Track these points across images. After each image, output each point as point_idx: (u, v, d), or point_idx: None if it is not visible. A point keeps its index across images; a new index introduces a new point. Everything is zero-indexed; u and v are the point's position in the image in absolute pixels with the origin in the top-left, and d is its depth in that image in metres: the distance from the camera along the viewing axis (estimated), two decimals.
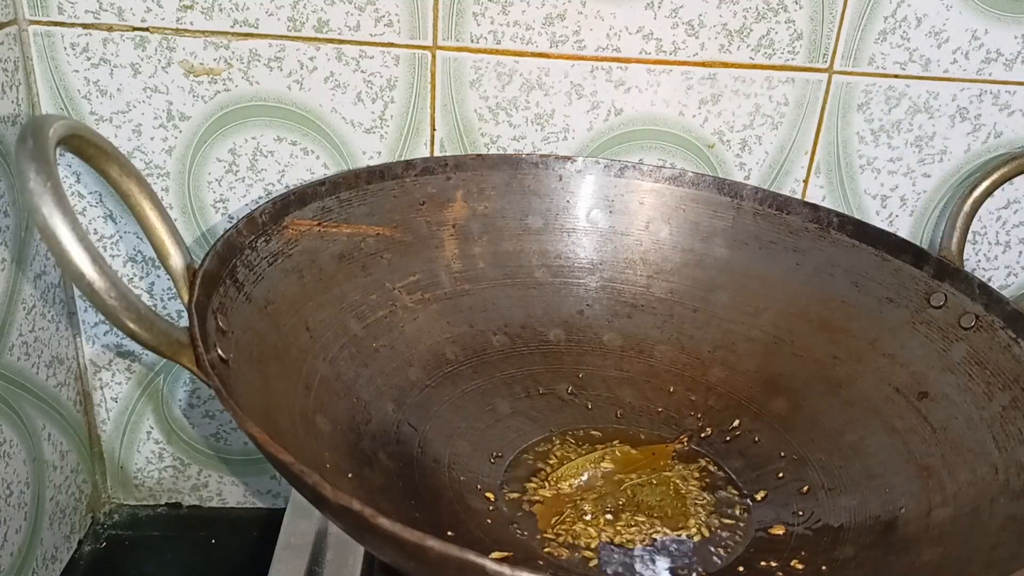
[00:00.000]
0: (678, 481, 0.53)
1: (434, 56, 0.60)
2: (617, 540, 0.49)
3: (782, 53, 0.62)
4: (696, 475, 0.54)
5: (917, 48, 0.62)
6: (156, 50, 0.59)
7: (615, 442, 0.55)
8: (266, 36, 0.59)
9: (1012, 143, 0.66)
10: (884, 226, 0.67)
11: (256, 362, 0.45)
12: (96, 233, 0.64)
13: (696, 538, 0.49)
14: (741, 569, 0.47)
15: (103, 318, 0.49)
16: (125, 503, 0.75)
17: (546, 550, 0.48)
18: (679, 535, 0.49)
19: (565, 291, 0.61)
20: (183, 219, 0.64)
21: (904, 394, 0.53)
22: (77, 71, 0.59)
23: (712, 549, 0.49)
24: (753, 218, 0.60)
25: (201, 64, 0.60)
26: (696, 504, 0.51)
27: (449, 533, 0.46)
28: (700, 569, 0.47)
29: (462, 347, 0.58)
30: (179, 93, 0.60)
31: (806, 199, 0.65)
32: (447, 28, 0.60)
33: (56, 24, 0.58)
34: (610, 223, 0.62)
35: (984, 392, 0.50)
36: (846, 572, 0.47)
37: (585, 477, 0.53)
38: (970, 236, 0.68)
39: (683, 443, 0.56)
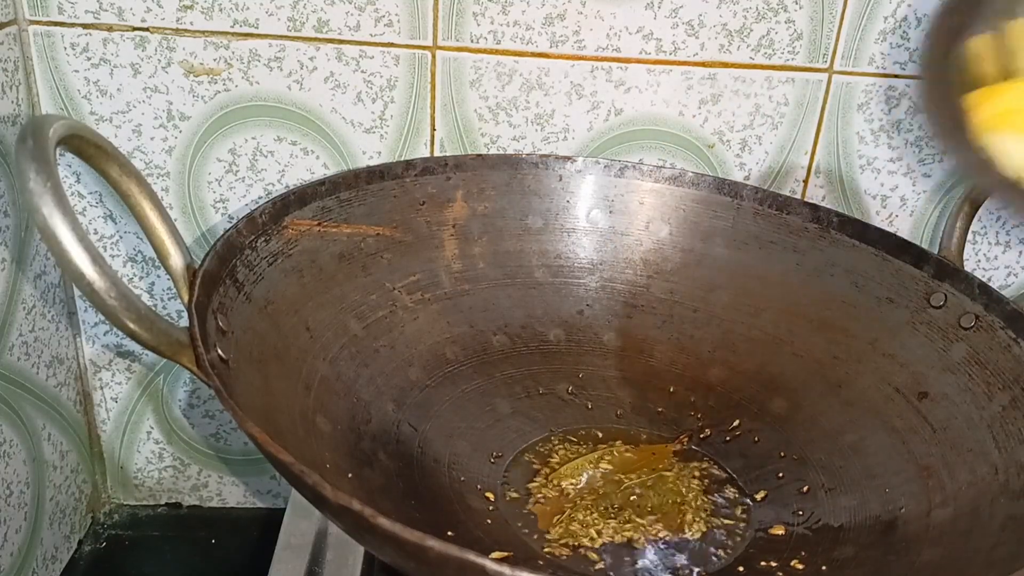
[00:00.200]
0: (678, 481, 0.53)
1: (434, 56, 0.60)
2: (617, 540, 0.49)
3: (782, 53, 0.62)
4: (696, 475, 0.54)
5: (917, 48, 0.62)
6: (156, 50, 0.59)
7: (615, 442, 0.55)
8: (266, 36, 0.59)
9: None
10: (884, 226, 0.67)
11: (256, 362, 0.45)
12: (96, 233, 0.64)
13: (696, 538, 0.49)
14: (741, 569, 0.47)
15: (103, 318, 0.49)
16: (125, 503, 0.75)
17: (546, 550, 0.48)
18: (679, 535, 0.49)
19: (565, 291, 0.61)
20: (183, 219, 0.64)
21: (904, 394, 0.53)
22: (77, 71, 0.59)
23: (712, 549, 0.49)
24: (753, 218, 0.60)
25: (201, 64, 0.60)
26: (696, 504, 0.51)
27: (449, 533, 0.46)
28: (700, 569, 0.47)
29: (462, 347, 0.58)
30: (179, 93, 0.60)
31: (806, 199, 0.65)
32: (447, 28, 0.60)
33: (56, 24, 0.58)
34: (610, 223, 0.62)
35: (984, 392, 0.50)
36: (846, 572, 0.47)
37: (585, 477, 0.53)
38: (970, 236, 0.67)
39: (683, 443, 0.56)
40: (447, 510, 0.49)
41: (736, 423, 0.56)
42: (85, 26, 0.58)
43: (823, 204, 0.63)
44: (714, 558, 0.48)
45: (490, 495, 0.51)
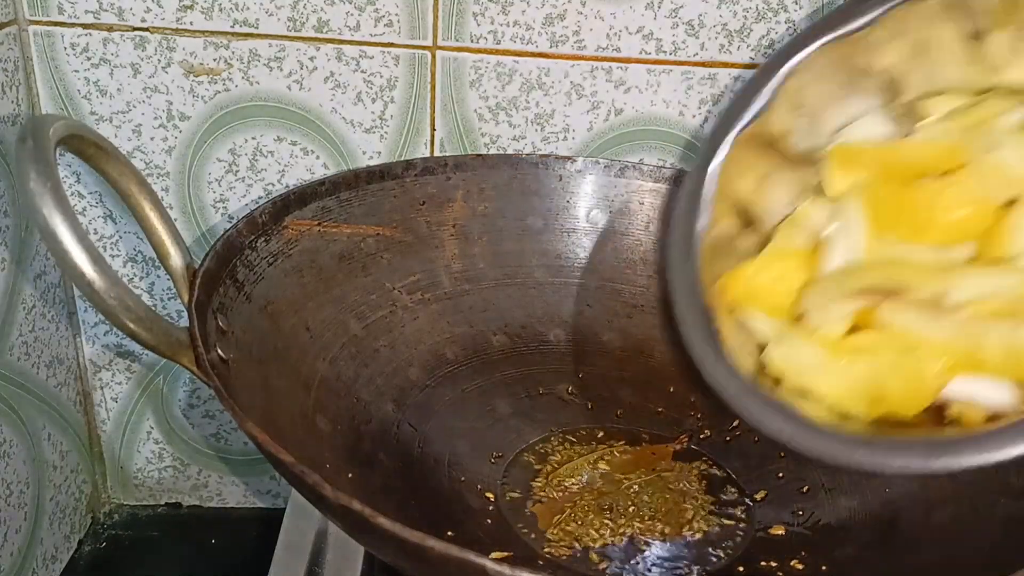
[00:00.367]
0: (678, 481, 0.53)
1: (434, 56, 0.60)
2: (617, 540, 0.49)
3: None
4: (696, 475, 0.54)
5: None
6: (156, 50, 0.59)
7: (618, 442, 0.55)
8: (266, 36, 0.59)
9: None
10: None
11: (256, 362, 0.45)
12: (96, 233, 0.64)
13: (696, 538, 0.49)
14: (741, 569, 0.47)
15: (103, 318, 0.49)
16: (125, 503, 0.75)
17: (546, 550, 0.48)
18: (679, 535, 0.49)
19: (565, 291, 0.61)
20: (183, 219, 0.64)
21: None
22: (77, 71, 0.59)
23: (711, 549, 0.49)
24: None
25: (201, 64, 0.60)
26: (696, 504, 0.51)
27: (449, 533, 0.46)
28: (700, 568, 0.47)
29: (462, 347, 0.58)
30: (179, 93, 0.60)
31: None
32: (447, 28, 0.60)
33: (56, 24, 0.58)
34: (610, 223, 0.62)
35: None
36: (846, 572, 0.47)
37: (585, 477, 0.53)
38: None
39: (683, 443, 0.56)
40: (447, 510, 0.49)
41: (736, 423, 0.56)
42: (85, 26, 0.58)
43: None
44: (713, 558, 0.48)
45: (490, 495, 0.51)
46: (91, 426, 0.71)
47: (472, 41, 0.60)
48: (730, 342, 0.43)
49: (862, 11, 0.42)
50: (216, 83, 0.60)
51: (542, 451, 0.54)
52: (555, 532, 0.49)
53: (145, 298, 0.67)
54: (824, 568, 0.47)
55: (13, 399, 0.59)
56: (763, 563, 0.48)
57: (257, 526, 0.74)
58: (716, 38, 0.61)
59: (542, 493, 0.51)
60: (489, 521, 0.49)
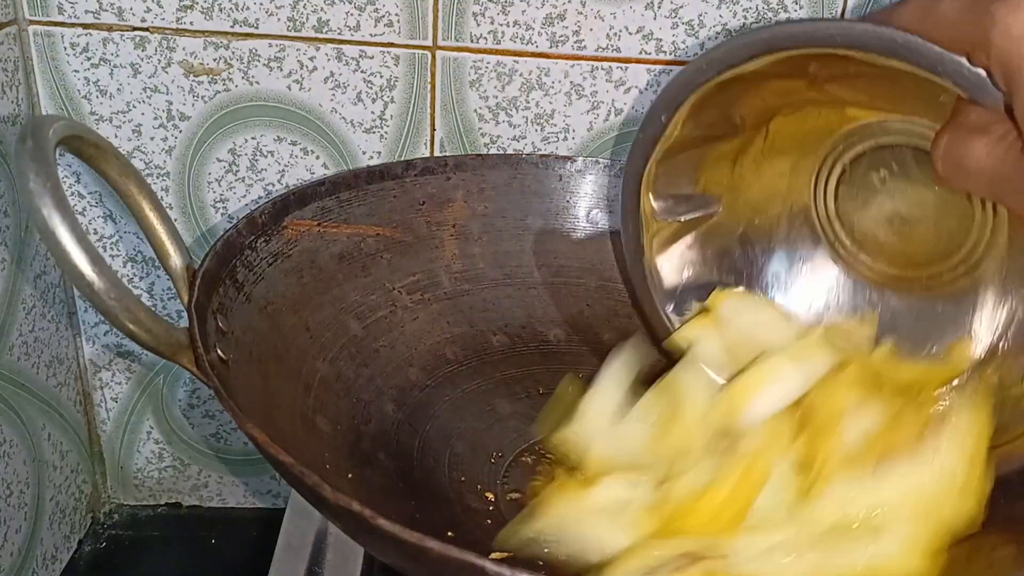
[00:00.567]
0: None
1: (434, 56, 0.60)
2: None
3: None
4: None
5: None
6: (156, 50, 0.59)
7: None
8: (266, 36, 0.59)
9: None
10: None
11: (256, 362, 0.45)
12: (96, 233, 0.64)
13: None
14: None
15: (103, 318, 0.49)
16: (125, 503, 0.75)
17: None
18: None
19: (565, 291, 0.61)
20: (183, 219, 0.64)
21: None
22: (77, 71, 0.59)
23: None
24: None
25: (201, 64, 0.60)
26: None
27: (449, 533, 0.46)
28: None
29: (462, 347, 0.58)
30: (179, 93, 0.60)
31: None
32: (447, 28, 0.60)
33: (56, 24, 0.58)
34: (610, 223, 0.62)
35: None
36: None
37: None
38: None
39: None
40: (447, 510, 0.48)
41: None
42: (85, 26, 0.58)
43: None
44: None
45: (490, 495, 0.51)
46: (91, 426, 0.71)
47: (472, 41, 0.60)
48: None
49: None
50: (216, 83, 0.60)
51: (542, 451, 0.54)
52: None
53: (145, 298, 0.67)
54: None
55: (13, 399, 0.59)
56: None
57: (257, 526, 0.74)
58: (716, 38, 0.61)
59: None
60: (489, 521, 0.49)
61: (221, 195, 0.64)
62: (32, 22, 0.58)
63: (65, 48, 0.59)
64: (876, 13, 0.38)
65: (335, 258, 0.54)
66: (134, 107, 0.61)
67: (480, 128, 0.63)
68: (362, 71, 0.60)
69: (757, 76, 0.43)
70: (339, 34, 0.59)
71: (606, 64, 0.62)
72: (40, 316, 0.62)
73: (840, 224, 0.52)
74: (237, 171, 0.63)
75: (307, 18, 0.59)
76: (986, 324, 0.48)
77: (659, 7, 0.60)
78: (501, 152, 0.63)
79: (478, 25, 0.60)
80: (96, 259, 0.36)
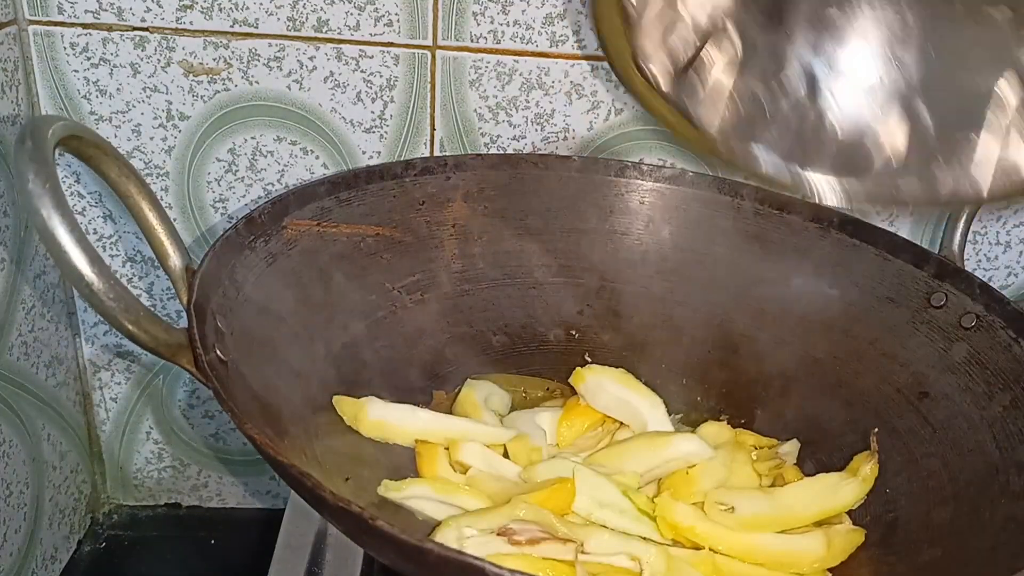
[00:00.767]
0: None
1: (434, 56, 0.60)
2: None
3: None
4: None
5: None
6: (156, 50, 0.59)
7: None
8: (266, 36, 0.59)
9: None
10: (885, 226, 0.66)
11: (255, 363, 0.45)
12: (95, 233, 0.64)
13: None
14: None
15: (102, 319, 0.49)
16: (125, 503, 0.75)
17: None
18: None
19: (565, 291, 0.61)
20: (182, 219, 0.64)
21: (904, 394, 0.53)
22: (77, 71, 0.59)
23: None
24: (753, 218, 0.60)
25: (201, 64, 0.60)
26: None
27: None
28: None
29: (462, 347, 0.58)
30: (179, 93, 0.60)
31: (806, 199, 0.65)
32: (447, 28, 0.59)
33: (56, 24, 0.58)
34: (610, 223, 0.62)
35: (984, 392, 0.50)
36: (847, 572, 0.47)
37: None
38: (971, 236, 0.67)
39: None
40: None
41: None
42: (85, 26, 0.58)
43: (823, 204, 0.63)
44: None
45: None
46: (91, 426, 0.71)
47: (472, 41, 0.60)
48: None
49: None
50: (216, 83, 0.60)
51: None
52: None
53: (144, 298, 0.67)
54: (826, 568, 0.47)
55: (13, 399, 0.59)
56: None
57: (257, 526, 0.74)
58: None
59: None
60: None
61: (221, 195, 0.64)
62: (32, 22, 0.58)
63: (65, 48, 0.59)
64: None
65: (335, 258, 0.54)
66: (134, 107, 0.61)
67: (480, 128, 0.63)
68: (362, 71, 0.60)
69: None
70: (339, 34, 0.59)
71: (606, 64, 0.61)
72: (40, 316, 0.62)
73: None
74: (237, 171, 0.63)
75: (307, 18, 0.59)
76: None
77: None
78: (501, 152, 0.63)
79: (478, 25, 0.60)
80: (95, 260, 0.36)
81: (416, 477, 0.50)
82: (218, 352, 0.41)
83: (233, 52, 0.59)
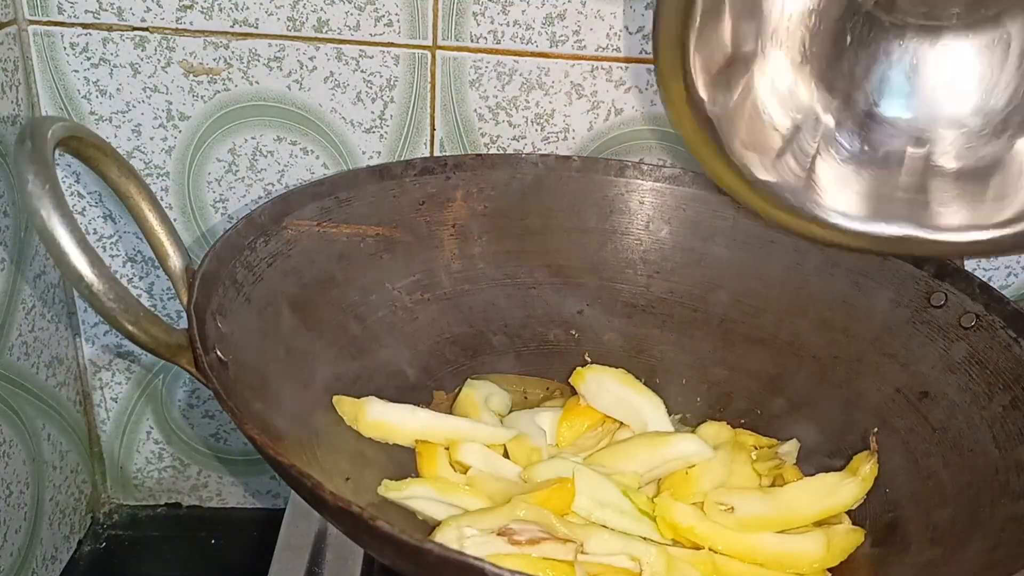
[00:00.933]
0: None
1: (434, 56, 0.60)
2: None
3: None
4: None
5: None
6: (156, 50, 0.59)
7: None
8: (266, 36, 0.59)
9: None
10: None
11: (255, 363, 0.45)
12: (95, 233, 0.64)
13: None
14: None
15: (102, 319, 0.49)
16: (125, 503, 0.75)
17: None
18: None
19: (565, 291, 0.61)
20: (182, 219, 0.64)
21: (904, 394, 0.53)
22: (77, 71, 0.59)
23: None
24: (753, 218, 0.60)
25: (201, 64, 0.60)
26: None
27: None
28: None
29: (462, 347, 0.58)
30: (179, 93, 0.60)
31: None
32: (447, 28, 0.59)
33: (56, 24, 0.58)
34: (610, 223, 0.62)
35: (984, 392, 0.50)
36: (847, 572, 0.47)
37: None
38: None
39: None
40: None
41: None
42: (85, 26, 0.58)
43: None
44: None
45: None
46: (91, 426, 0.71)
47: (472, 41, 0.60)
48: None
49: None
50: (216, 83, 0.60)
51: None
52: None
53: (144, 299, 0.67)
54: (826, 568, 0.47)
55: (13, 399, 0.59)
56: None
57: (257, 526, 0.74)
58: None
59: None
60: None
61: (221, 195, 0.64)
62: (32, 22, 0.58)
63: (65, 48, 0.59)
64: None
65: (335, 258, 0.54)
66: (134, 107, 0.61)
67: (480, 128, 0.63)
68: (362, 71, 0.60)
69: None
70: (339, 34, 0.59)
71: (606, 64, 0.62)
72: (40, 316, 0.62)
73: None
74: (237, 171, 0.63)
75: (307, 18, 0.59)
76: None
77: None
78: (501, 152, 0.63)
79: (478, 25, 0.60)
80: (95, 260, 0.36)
81: (416, 477, 0.50)
82: (218, 352, 0.41)
83: (233, 52, 0.59)
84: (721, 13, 0.49)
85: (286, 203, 0.52)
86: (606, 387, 0.54)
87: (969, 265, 0.69)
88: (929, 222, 0.51)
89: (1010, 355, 0.50)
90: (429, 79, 0.61)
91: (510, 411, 0.56)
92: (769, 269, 0.59)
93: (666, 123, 0.63)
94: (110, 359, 0.69)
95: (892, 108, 0.53)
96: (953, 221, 0.51)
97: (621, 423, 0.54)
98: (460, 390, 0.55)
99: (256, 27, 0.59)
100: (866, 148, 0.53)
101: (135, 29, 0.58)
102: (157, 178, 0.63)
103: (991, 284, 0.53)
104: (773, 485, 0.52)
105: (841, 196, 0.52)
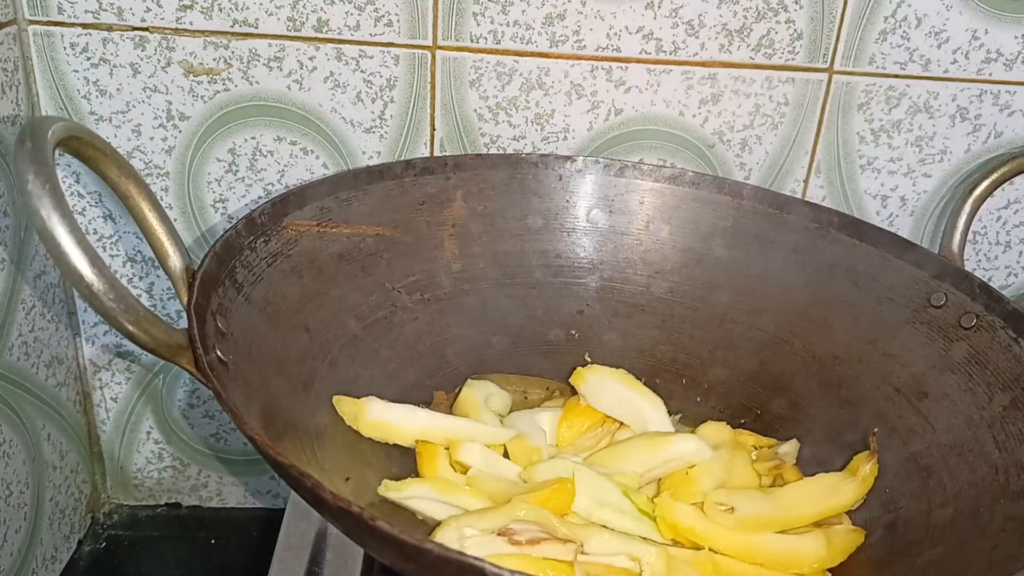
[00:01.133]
0: None
1: (434, 56, 0.60)
2: None
3: (782, 53, 0.62)
4: None
5: (917, 48, 0.62)
6: (156, 50, 0.59)
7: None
8: (266, 36, 0.59)
9: (1012, 143, 0.66)
10: (884, 226, 0.66)
11: (255, 363, 0.45)
12: (95, 233, 0.64)
13: None
14: None
15: (102, 319, 0.49)
16: (125, 503, 0.75)
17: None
18: None
19: (565, 291, 0.61)
20: (182, 219, 0.64)
21: (904, 394, 0.53)
22: (77, 71, 0.59)
23: None
24: (753, 218, 0.60)
25: (201, 64, 0.60)
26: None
27: None
28: None
29: (462, 347, 0.58)
30: (179, 93, 0.60)
31: (806, 199, 0.65)
32: (447, 28, 0.59)
33: (56, 24, 0.58)
34: (610, 223, 0.62)
35: (984, 392, 0.50)
36: (846, 572, 0.47)
37: None
38: (970, 236, 0.67)
39: None
40: None
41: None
42: (85, 26, 0.58)
43: (823, 204, 0.63)
44: None
45: None
46: (91, 426, 0.71)
47: (472, 41, 0.60)
48: None
49: None
50: (216, 83, 0.60)
51: None
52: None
53: (144, 298, 0.67)
54: (826, 569, 0.47)
55: (13, 399, 0.59)
56: None
57: (257, 526, 0.74)
58: (716, 38, 0.61)
59: None
60: None
61: (221, 195, 0.64)
62: (32, 22, 0.58)
63: (65, 48, 0.59)
64: None
65: (335, 258, 0.54)
66: (134, 107, 0.61)
67: (480, 128, 0.63)
68: (362, 71, 0.60)
69: None
70: (339, 34, 0.59)
71: (606, 64, 0.62)
72: (40, 316, 0.62)
73: None
74: (237, 171, 0.63)
75: (307, 18, 0.59)
76: None
77: (659, 7, 0.60)
78: (501, 152, 0.63)
79: (478, 25, 0.60)
80: (95, 260, 0.36)
81: (416, 477, 0.50)
82: (218, 352, 0.41)
83: (233, 52, 0.59)
84: None
85: (286, 203, 0.52)
86: (607, 387, 0.54)
87: (969, 265, 0.69)
88: None
89: (1010, 355, 0.50)
90: (429, 79, 0.61)
91: (510, 411, 0.56)
92: (769, 269, 0.59)
93: (666, 123, 0.64)
94: (110, 359, 0.69)
95: None
96: None
97: (621, 423, 0.54)
98: (460, 390, 0.55)
99: (256, 27, 0.59)
100: None
101: (135, 29, 0.58)
102: (157, 178, 0.63)
103: (991, 284, 0.53)
104: (773, 485, 0.52)
105: None
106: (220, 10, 0.58)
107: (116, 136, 0.61)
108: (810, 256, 0.59)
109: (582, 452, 0.53)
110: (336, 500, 0.33)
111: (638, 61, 0.62)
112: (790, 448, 0.54)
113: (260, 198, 0.64)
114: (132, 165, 0.45)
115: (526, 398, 0.57)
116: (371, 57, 0.60)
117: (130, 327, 0.38)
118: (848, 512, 0.50)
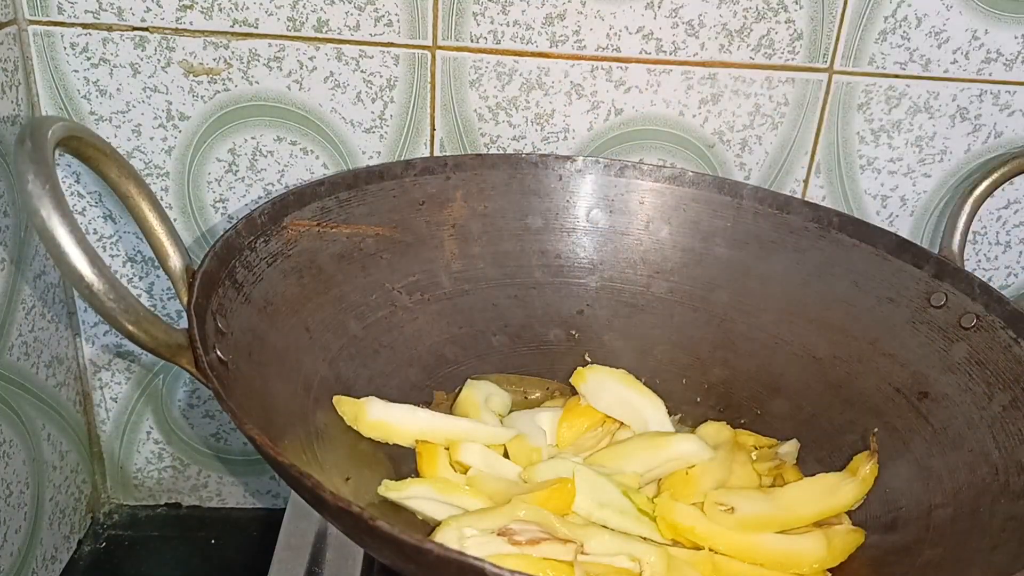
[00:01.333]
0: None
1: (434, 56, 0.60)
2: None
3: (782, 53, 0.62)
4: None
5: (917, 48, 0.62)
6: (156, 50, 0.59)
7: None
8: (266, 36, 0.59)
9: (1012, 143, 0.66)
10: (884, 226, 0.66)
11: (255, 363, 0.45)
12: (95, 233, 0.64)
13: None
14: None
15: (102, 319, 0.49)
16: (125, 503, 0.75)
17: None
18: None
19: (565, 291, 0.61)
20: (182, 219, 0.64)
21: (904, 394, 0.53)
22: (77, 71, 0.59)
23: None
24: (753, 218, 0.60)
25: (201, 64, 0.60)
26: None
27: None
28: None
29: (462, 347, 0.58)
30: (179, 93, 0.60)
31: (806, 199, 0.65)
32: (447, 28, 0.59)
33: (56, 24, 0.58)
34: (610, 223, 0.62)
35: (984, 392, 0.50)
36: (846, 572, 0.47)
37: None
38: (970, 236, 0.67)
39: None
40: None
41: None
42: (85, 26, 0.58)
43: (823, 204, 0.63)
44: None
45: None
46: (91, 426, 0.71)
47: (472, 41, 0.60)
48: None
49: None
50: (216, 83, 0.60)
51: None
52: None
53: (144, 298, 0.67)
54: (826, 569, 0.47)
55: (13, 399, 0.59)
56: None
57: (257, 526, 0.74)
58: (716, 38, 0.61)
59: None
60: None
61: (221, 195, 0.64)
62: (32, 22, 0.58)
63: (65, 48, 0.59)
64: None
65: (335, 258, 0.54)
66: (134, 107, 0.61)
67: (480, 128, 0.63)
68: (362, 71, 0.60)
69: None
70: (339, 34, 0.59)
71: (606, 64, 0.62)
72: (40, 316, 0.62)
73: None
74: (237, 171, 0.63)
75: (307, 18, 0.59)
76: None
77: (659, 7, 0.60)
78: (501, 152, 0.63)
79: (478, 25, 0.60)
80: (95, 260, 0.36)
81: (416, 477, 0.50)
82: (218, 352, 0.41)
83: (233, 52, 0.59)
84: None
85: (286, 203, 0.52)
86: (607, 387, 0.54)
87: (969, 265, 0.69)
88: None
89: (1010, 355, 0.50)
90: (429, 79, 0.61)
91: (510, 411, 0.56)
92: (769, 269, 0.59)
93: (666, 123, 0.64)
94: (110, 359, 0.69)
95: None
96: None
97: (621, 423, 0.54)
98: (460, 390, 0.55)
99: (256, 27, 0.59)
100: None
101: (135, 29, 0.58)
102: (157, 178, 0.63)
103: (991, 284, 0.53)
104: (773, 485, 0.52)
105: None
106: (220, 10, 0.58)
107: (116, 136, 0.61)
108: (810, 256, 0.59)
109: (582, 452, 0.53)
110: (336, 500, 0.33)
111: (638, 61, 0.62)
112: (790, 448, 0.54)
113: (260, 198, 0.64)
114: (132, 165, 0.45)
115: (526, 398, 0.57)
116: (371, 57, 0.60)
117: (130, 327, 0.38)
118: (848, 512, 0.50)
